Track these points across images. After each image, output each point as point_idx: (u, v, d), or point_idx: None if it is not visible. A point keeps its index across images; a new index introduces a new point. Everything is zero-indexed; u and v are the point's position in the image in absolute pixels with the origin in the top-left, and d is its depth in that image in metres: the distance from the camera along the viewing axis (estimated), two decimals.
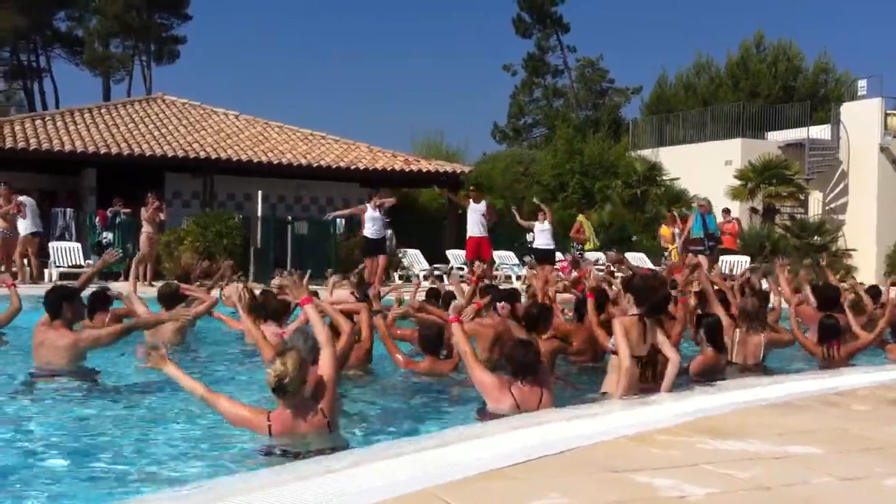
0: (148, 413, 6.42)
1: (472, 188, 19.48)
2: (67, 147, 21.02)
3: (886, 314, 9.09)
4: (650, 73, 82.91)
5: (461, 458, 4.31)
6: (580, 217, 22.98)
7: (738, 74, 38.39)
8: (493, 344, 7.84)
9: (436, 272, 19.03)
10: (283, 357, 5.05)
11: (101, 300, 8.88)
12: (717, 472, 4.19)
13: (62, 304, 7.30)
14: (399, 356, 7.81)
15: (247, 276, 17.59)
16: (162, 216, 18.58)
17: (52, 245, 19.24)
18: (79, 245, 19.81)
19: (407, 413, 6.47)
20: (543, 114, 50.36)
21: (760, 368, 8.29)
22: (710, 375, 7.63)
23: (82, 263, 19.12)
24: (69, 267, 18.55)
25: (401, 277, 19.91)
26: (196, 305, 9.31)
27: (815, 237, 26.61)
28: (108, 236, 20.27)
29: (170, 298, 9.52)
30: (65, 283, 10.69)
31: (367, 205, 18.13)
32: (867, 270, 25.64)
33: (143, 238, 17.96)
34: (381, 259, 17.88)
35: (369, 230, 17.96)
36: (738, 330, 8.40)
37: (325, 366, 5.32)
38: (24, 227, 17.55)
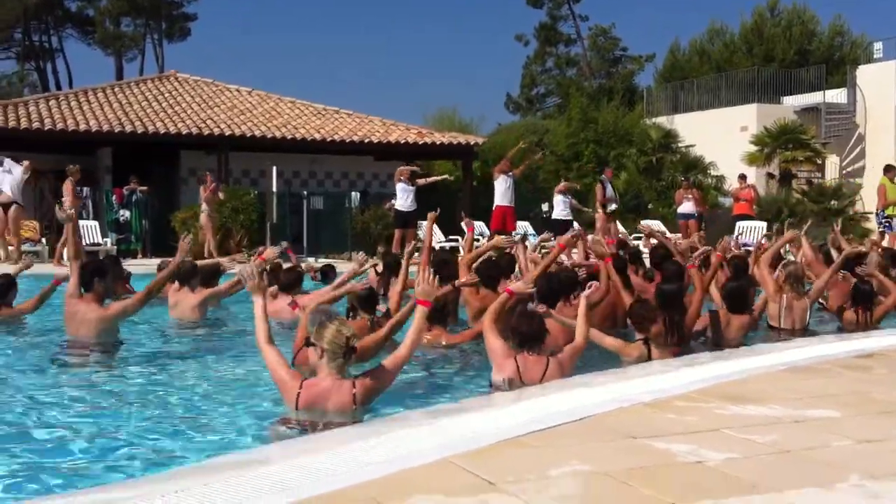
0: (174, 385, 6.50)
1: (505, 159, 19.30)
2: (82, 127, 21.07)
3: None
4: (663, 40, 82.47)
5: (481, 427, 4.34)
6: (883, 179, 19.25)
7: (752, 40, 38.08)
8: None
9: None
10: (342, 322, 5.26)
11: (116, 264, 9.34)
12: (736, 436, 4.21)
13: (93, 279, 7.54)
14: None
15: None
16: (221, 195, 19.00)
17: None
18: (96, 223, 19.97)
19: (425, 384, 6.50)
20: (556, 83, 50.07)
21: (805, 332, 8.29)
22: (724, 336, 7.75)
23: (100, 241, 19.27)
24: (87, 245, 18.66)
25: (416, 249, 19.90)
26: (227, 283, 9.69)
27: (833, 202, 26.45)
28: (125, 214, 20.42)
29: (187, 275, 9.64)
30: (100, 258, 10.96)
31: (400, 178, 18.12)
32: None
33: (203, 218, 18.22)
34: (412, 233, 17.96)
35: (401, 203, 17.99)
36: (784, 295, 8.40)
37: (400, 350, 5.43)
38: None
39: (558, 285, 7.59)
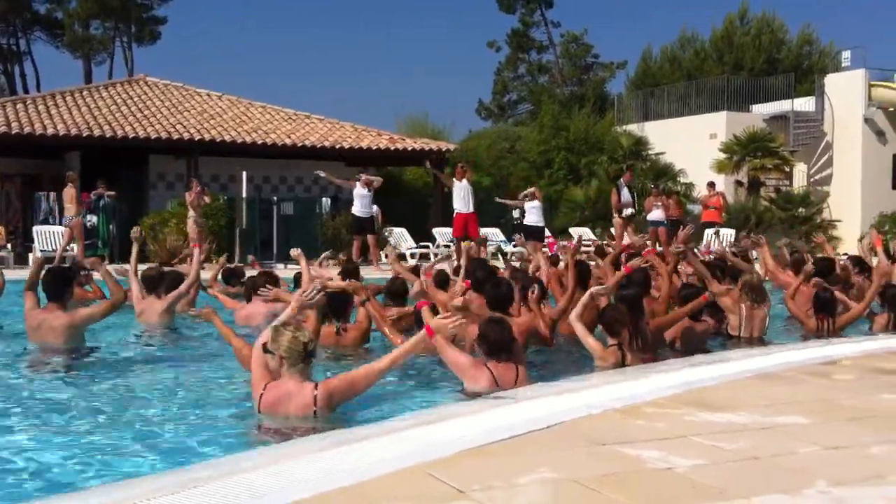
0: (142, 392, 6.44)
1: (457, 166, 19.46)
2: (50, 131, 20.89)
3: (874, 282, 9.12)
4: (635, 48, 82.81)
5: (452, 435, 4.33)
6: None
7: (722, 47, 38.42)
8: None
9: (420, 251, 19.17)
10: (297, 328, 5.27)
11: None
12: (704, 443, 4.22)
13: (62, 287, 7.66)
14: (395, 337, 7.83)
15: (232, 257, 17.57)
16: (207, 199, 18.73)
17: (36, 229, 19.16)
18: (62, 229, 19.71)
19: (397, 391, 6.47)
20: (528, 90, 50.16)
21: (762, 342, 8.38)
22: (689, 343, 7.82)
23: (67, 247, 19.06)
24: (54, 251, 18.47)
25: (387, 256, 19.86)
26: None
27: (800, 209, 26.72)
28: (92, 219, 20.17)
29: (155, 281, 9.57)
30: (62, 266, 10.94)
31: (357, 182, 18.20)
32: (852, 241, 25.76)
33: (190, 223, 17.97)
34: (371, 238, 18.01)
35: (357, 208, 18.06)
36: (743, 305, 8.46)
37: (379, 362, 5.45)
38: None
39: (508, 291, 7.52)
